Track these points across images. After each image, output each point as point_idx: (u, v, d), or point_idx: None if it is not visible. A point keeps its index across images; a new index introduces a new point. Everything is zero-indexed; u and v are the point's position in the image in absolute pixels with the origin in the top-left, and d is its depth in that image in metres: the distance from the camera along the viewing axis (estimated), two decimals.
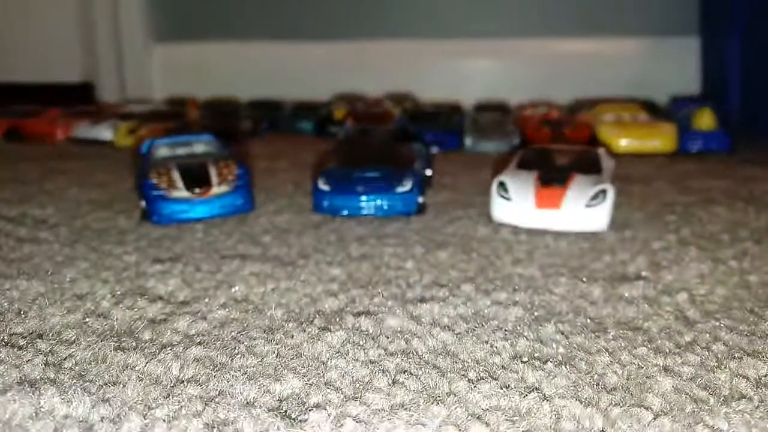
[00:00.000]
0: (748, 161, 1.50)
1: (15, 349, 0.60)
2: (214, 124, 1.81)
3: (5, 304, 0.71)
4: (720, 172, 1.40)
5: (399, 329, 0.64)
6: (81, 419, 0.49)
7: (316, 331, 0.63)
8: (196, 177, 1.04)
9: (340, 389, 0.53)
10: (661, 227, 0.99)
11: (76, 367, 0.57)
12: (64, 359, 0.58)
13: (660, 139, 1.59)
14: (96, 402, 0.51)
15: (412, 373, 0.55)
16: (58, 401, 0.51)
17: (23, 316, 0.68)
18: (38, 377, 0.55)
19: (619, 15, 2.48)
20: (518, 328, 0.64)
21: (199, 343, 0.61)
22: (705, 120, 1.61)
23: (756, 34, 1.90)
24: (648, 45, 2.51)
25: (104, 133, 1.86)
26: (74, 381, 0.54)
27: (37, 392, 0.52)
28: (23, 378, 0.55)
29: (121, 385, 0.53)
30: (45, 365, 0.57)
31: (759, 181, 1.30)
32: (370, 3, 2.61)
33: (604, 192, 0.94)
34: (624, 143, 1.59)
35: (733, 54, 1.99)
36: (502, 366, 0.56)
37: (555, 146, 1.12)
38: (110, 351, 0.59)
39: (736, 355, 0.57)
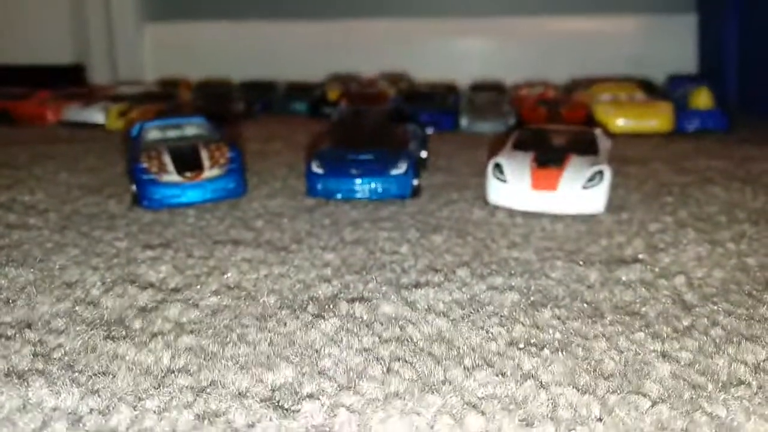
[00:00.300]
0: (746, 141, 1.49)
1: (3, 340, 0.59)
2: (207, 105, 1.78)
3: None
4: (717, 151, 1.39)
5: (394, 316, 0.63)
6: (70, 411, 0.48)
7: (310, 318, 0.62)
8: (187, 160, 1.02)
9: (334, 378, 0.52)
10: (658, 209, 0.98)
11: (65, 358, 0.56)
12: (53, 349, 0.57)
13: (657, 119, 1.57)
14: (85, 393, 0.50)
15: (406, 361, 0.54)
16: (47, 393, 0.50)
17: (11, 305, 0.66)
18: (26, 368, 0.54)
19: None
20: (514, 313, 0.63)
21: (191, 332, 0.60)
22: (702, 99, 1.59)
23: (753, 12, 1.87)
24: (645, 23, 2.47)
25: (95, 115, 1.82)
26: (63, 372, 0.53)
27: (25, 384, 0.51)
28: (11, 369, 0.54)
29: (111, 376, 0.52)
30: (33, 356, 0.56)
31: (756, 160, 1.29)
32: None
33: (600, 173, 0.93)
34: (621, 123, 1.57)
35: (731, 32, 1.96)
36: (498, 353, 0.56)
37: (551, 127, 1.11)
38: (100, 340, 0.58)
39: (734, 340, 0.57)
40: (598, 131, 1.08)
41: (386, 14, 2.56)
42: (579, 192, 0.92)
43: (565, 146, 1.01)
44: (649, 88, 1.93)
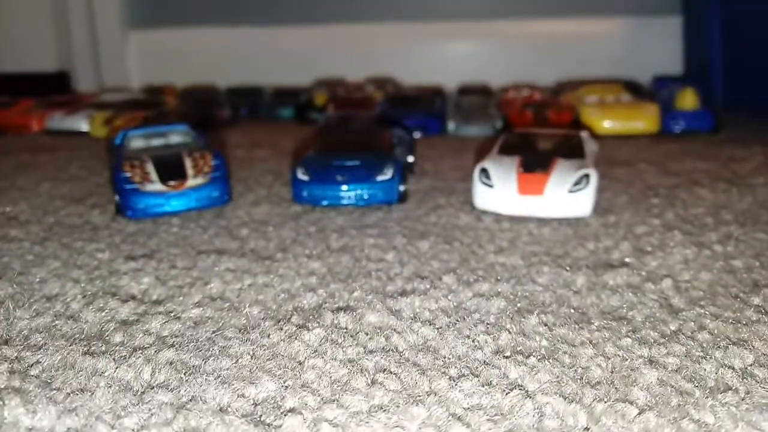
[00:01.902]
0: (731, 141, 1.51)
1: None
2: (192, 112, 1.76)
3: None
4: (703, 152, 1.40)
5: (379, 325, 0.62)
6: (46, 430, 0.47)
7: (294, 330, 0.61)
8: (170, 169, 1.00)
9: (317, 391, 0.51)
10: (645, 211, 0.98)
11: (43, 375, 0.54)
12: (30, 366, 0.56)
13: (643, 120, 1.58)
14: (62, 412, 0.49)
15: (391, 372, 0.53)
16: (23, 412, 0.49)
17: None
18: (2, 386, 0.52)
19: None
20: (501, 320, 0.63)
21: (172, 345, 0.59)
22: (688, 100, 1.60)
23: (737, 14, 1.90)
24: (631, 24, 2.49)
25: (80, 123, 1.80)
26: (40, 390, 0.52)
27: (1, 402, 0.49)
28: None
29: (89, 393, 0.51)
30: (10, 373, 0.54)
31: (742, 161, 1.30)
32: None
33: (587, 177, 0.93)
34: (607, 125, 1.58)
35: (715, 33, 1.98)
36: (484, 362, 0.55)
37: (537, 130, 1.11)
38: (79, 356, 0.57)
39: (721, 344, 0.57)
40: (584, 134, 1.08)
41: (373, 19, 2.57)
42: (565, 196, 0.92)
43: (552, 150, 1.01)
44: (635, 89, 1.94)
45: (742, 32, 1.89)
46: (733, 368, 0.53)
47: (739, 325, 0.61)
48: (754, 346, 0.56)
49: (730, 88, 1.96)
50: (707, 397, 0.49)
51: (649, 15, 2.43)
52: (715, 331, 0.59)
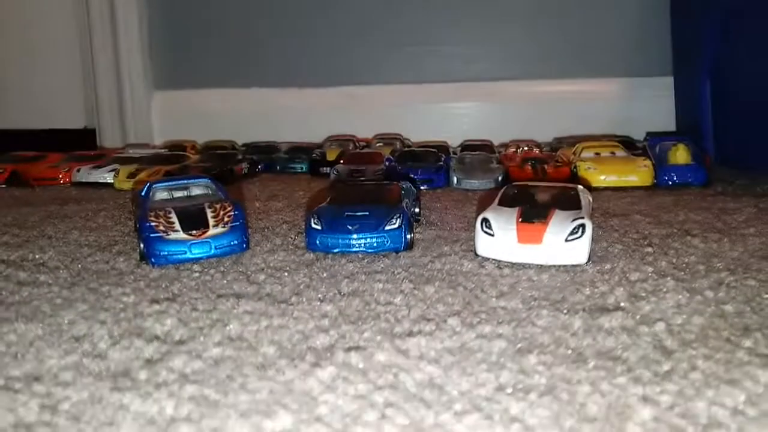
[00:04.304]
0: (722, 194, 1.55)
1: (11, 393, 0.61)
2: (212, 166, 1.86)
3: (3, 348, 0.72)
4: (696, 204, 1.44)
5: (387, 364, 0.66)
6: None
7: (308, 367, 0.65)
8: (193, 219, 1.07)
9: (330, 424, 0.54)
10: (639, 259, 1.02)
11: (72, 409, 0.57)
12: (60, 401, 0.59)
13: (637, 174, 1.64)
14: None
15: (399, 407, 0.57)
16: None
17: (20, 359, 0.69)
18: (33, 420, 0.56)
19: (598, 58, 2.61)
20: (502, 360, 0.66)
21: (194, 382, 0.62)
22: (680, 155, 1.67)
23: (725, 74, 2.01)
24: (625, 84, 2.63)
25: (106, 176, 1.90)
26: (69, 423, 0.55)
27: None
28: (18, 422, 0.55)
29: (116, 426, 0.54)
30: (41, 408, 0.58)
31: (733, 212, 1.34)
32: (360, 52, 2.73)
33: (583, 227, 0.98)
34: (603, 178, 1.64)
35: (705, 92, 2.09)
36: (487, 398, 0.58)
37: (536, 183, 1.17)
38: (106, 392, 0.60)
39: (713, 384, 0.59)
40: (579, 188, 1.14)
41: (382, 81, 2.73)
42: (562, 245, 0.97)
43: (549, 202, 1.07)
44: (629, 145, 2.02)
45: (730, 92, 1.99)
46: (725, 406, 0.55)
47: (731, 365, 0.63)
48: (745, 386, 0.59)
49: (721, 144, 2.04)
50: None
51: (643, 76, 2.57)
52: (707, 372, 0.62)
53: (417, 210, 1.32)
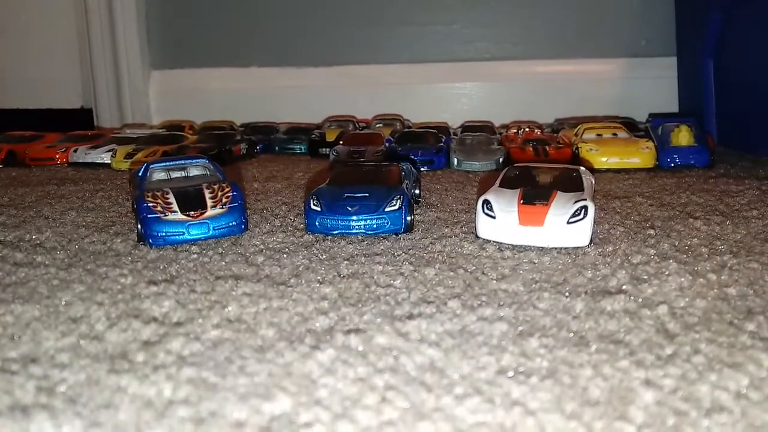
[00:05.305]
0: (725, 176, 1.54)
1: (7, 374, 0.60)
2: (210, 147, 1.84)
3: None
4: (698, 186, 1.43)
5: (387, 346, 0.65)
6: None
7: (307, 350, 0.64)
8: (191, 200, 1.05)
9: (330, 407, 0.54)
10: (641, 242, 1.01)
11: (69, 391, 0.57)
12: (57, 383, 0.59)
13: (639, 156, 1.63)
14: (87, 426, 0.51)
15: (400, 390, 0.56)
16: (49, 426, 0.51)
17: (17, 340, 0.68)
18: (30, 402, 0.55)
19: (600, 38, 2.57)
20: (503, 343, 0.66)
21: (192, 364, 0.62)
22: (683, 137, 1.66)
23: (728, 55, 1.98)
24: (627, 65, 2.59)
25: (103, 157, 1.88)
26: (66, 405, 0.55)
27: (28, 418, 0.52)
28: (14, 404, 0.55)
29: (114, 409, 0.54)
30: (37, 390, 0.57)
31: (736, 195, 1.33)
32: (360, 31, 2.68)
33: (584, 208, 0.97)
34: (605, 160, 1.62)
35: (708, 73, 2.06)
36: (488, 381, 0.58)
37: (537, 165, 1.16)
38: (103, 374, 0.60)
39: (716, 368, 0.59)
40: (582, 169, 1.13)
41: (382, 60, 2.69)
42: (564, 227, 0.96)
43: (551, 183, 1.06)
44: (631, 126, 2.00)
45: (732, 72, 1.96)
46: (728, 390, 0.55)
47: (734, 349, 0.63)
48: (748, 370, 0.59)
49: (724, 126, 2.02)
50: (703, 417, 0.51)
51: (645, 56, 2.53)
52: (710, 355, 0.62)
53: (417, 191, 1.31)
